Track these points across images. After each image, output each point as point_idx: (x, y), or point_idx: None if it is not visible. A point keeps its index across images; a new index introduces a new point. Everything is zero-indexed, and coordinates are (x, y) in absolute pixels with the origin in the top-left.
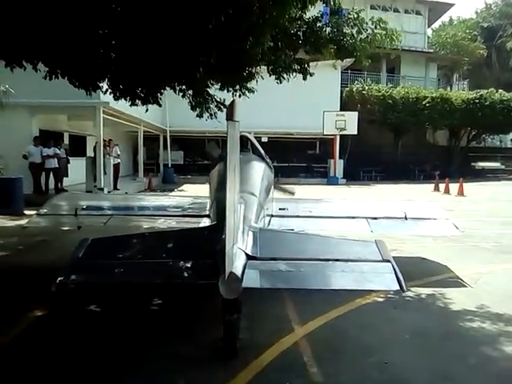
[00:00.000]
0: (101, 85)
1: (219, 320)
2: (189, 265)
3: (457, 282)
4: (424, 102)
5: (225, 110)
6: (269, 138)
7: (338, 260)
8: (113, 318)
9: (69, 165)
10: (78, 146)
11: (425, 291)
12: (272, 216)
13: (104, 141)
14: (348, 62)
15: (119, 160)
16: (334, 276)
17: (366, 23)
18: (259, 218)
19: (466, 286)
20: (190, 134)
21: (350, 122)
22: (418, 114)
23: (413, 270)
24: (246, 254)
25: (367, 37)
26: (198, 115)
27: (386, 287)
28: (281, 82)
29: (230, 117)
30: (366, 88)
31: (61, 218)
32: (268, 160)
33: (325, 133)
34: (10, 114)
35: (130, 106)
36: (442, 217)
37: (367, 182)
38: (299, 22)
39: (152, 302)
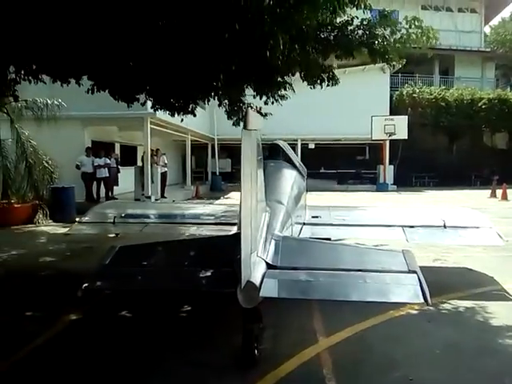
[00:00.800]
0: (138, 97)
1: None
2: (208, 273)
3: (501, 295)
4: (480, 104)
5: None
6: (316, 144)
7: (360, 270)
8: (141, 323)
9: (119, 174)
10: (129, 155)
11: (464, 304)
12: (304, 224)
13: (152, 150)
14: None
15: (166, 169)
16: (356, 287)
17: (400, 23)
18: (285, 226)
19: (511, 300)
20: (238, 142)
21: (400, 127)
22: (473, 116)
23: (455, 281)
24: (267, 263)
25: (401, 37)
26: (233, 124)
27: (409, 300)
28: (314, 88)
29: (244, 126)
30: (417, 91)
31: (100, 225)
32: (302, 168)
33: (373, 138)
34: (63, 126)
35: (171, 116)
36: (485, 225)
37: (419, 188)
38: (329, 27)
39: (181, 309)
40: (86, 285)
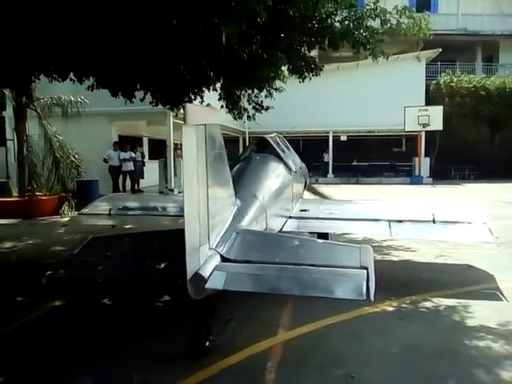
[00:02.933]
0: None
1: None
2: (163, 264)
3: (492, 295)
4: None
5: (263, 111)
6: (348, 136)
7: (312, 265)
8: (117, 311)
9: (145, 167)
10: (157, 149)
11: (447, 302)
12: (290, 217)
13: (175, 144)
14: (434, 52)
15: None
16: (302, 281)
17: (390, 13)
18: (257, 220)
19: (500, 300)
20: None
21: (435, 117)
22: None
23: (449, 278)
24: (222, 256)
25: (390, 27)
26: (235, 117)
27: (351, 296)
28: (303, 81)
29: (184, 121)
30: (455, 79)
31: (98, 217)
32: (293, 162)
33: (406, 129)
34: (90, 122)
35: (170, 110)
36: (478, 221)
37: (458, 182)
38: (313, 19)
39: (160, 299)
40: (50, 273)
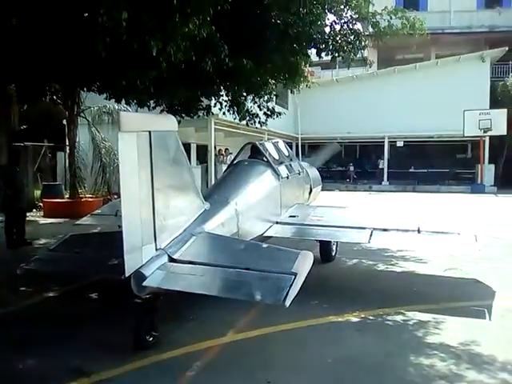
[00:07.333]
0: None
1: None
2: (116, 261)
3: (479, 312)
4: None
5: (274, 117)
6: (405, 142)
7: (248, 269)
8: (99, 305)
9: None
10: (205, 154)
11: (420, 317)
12: (277, 223)
13: (220, 150)
14: (501, 51)
15: None
16: (228, 284)
17: (381, 14)
18: (225, 223)
19: (482, 318)
20: (322, 140)
21: (497, 121)
22: None
23: (443, 292)
24: (169, 256)
25: (379, 29)
26: (246, 124)
27: (269, 300)
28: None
29: (119, 128)
30: None
31: (106, 218)
32: (283, 168)
33: (465, 134)
34: None
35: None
36: (468, 232)
37: None
38: (301, 24)
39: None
40: (23, 265)
